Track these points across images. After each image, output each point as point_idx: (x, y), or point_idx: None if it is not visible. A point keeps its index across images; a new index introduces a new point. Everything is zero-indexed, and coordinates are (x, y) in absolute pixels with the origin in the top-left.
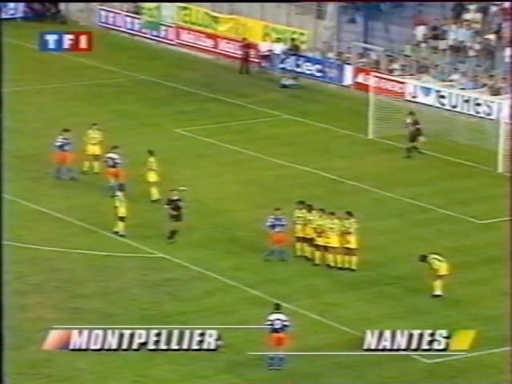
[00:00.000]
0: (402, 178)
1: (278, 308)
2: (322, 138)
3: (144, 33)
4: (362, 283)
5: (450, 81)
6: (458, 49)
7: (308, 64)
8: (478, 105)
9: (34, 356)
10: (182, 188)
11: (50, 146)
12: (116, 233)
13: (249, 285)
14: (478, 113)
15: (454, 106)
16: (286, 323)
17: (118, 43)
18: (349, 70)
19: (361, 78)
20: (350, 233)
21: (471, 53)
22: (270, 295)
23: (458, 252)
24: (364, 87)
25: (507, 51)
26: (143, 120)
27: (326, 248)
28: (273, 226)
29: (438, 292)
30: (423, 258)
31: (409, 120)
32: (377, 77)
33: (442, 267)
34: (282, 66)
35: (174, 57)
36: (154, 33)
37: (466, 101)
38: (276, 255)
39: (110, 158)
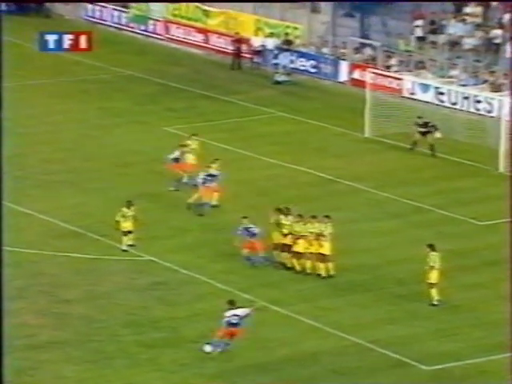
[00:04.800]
0: (400, 177)
1: (232, 304)
2: (317, 137)
3: (132, 27)
4: (357, 287)
5: (450, 77)
6: (457, 44)
7: (302, 60)
8: (479, 102)
9: (18, 363)
10: (171, 188)
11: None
12: (125, 251)
13: (241, 289)
14: (478, 110)
15: (454, 103)
16: (242, 318)
17: (105, 38)
18: (344, 66)
19: (357, 74)
20: (324, 236)
21: (471, 48)
22: (262, 299)
23: (458, 254)
24: (360, 84)
25: (508, 46)
26: (131, 117)
27: (299, 254)
28: (247, 235)
29: (434, 301)
30: (431, 248)
31: (418, 123)
32: (373, 73)
33: (434, 275)
34: (275, 61)
35: (162, 52)
36: (142, 27)
37: (466, 98)
38: (258, 262)
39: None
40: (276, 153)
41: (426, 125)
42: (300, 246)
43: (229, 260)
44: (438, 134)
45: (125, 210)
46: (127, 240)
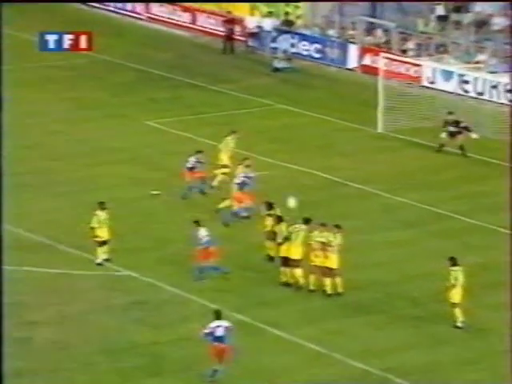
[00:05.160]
0: (418, 179)
1: (218, 316)
2: (322, 132)
3: (107, 5)
4: (368, 307)
5: (476, 62)
6: (485, 24)
7: (304, 43)
8: (510, 91)
9: None
10: (154, 192)
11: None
12: (100, 265)
13: (234, 309)
14: (510, 101)
15: (481, 93)
16: (228, 331)
17: (77, 17)
18: (353, 50)
19: (368, 60)
20: (331, 246)
21: (501, 28)
22: (260, 321)
23: (485, 269)
24: (372, 71)
25: None
26: (106, 110)
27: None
28: (202, 243)
29: (458, 323)
30: (453, 262)
31: (448, 120)
32: (387, 58)
33: (457, 293)
34: (273, 45)
35: (143, 34)
36: (119, 5)
37: (495, 86)
38: (210, 272)
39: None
40: (274, 151)
41: (456, 124)
42: (297, 253)
43: (219, 275)
44: (474, 135)
45: (99, 213)
46: (102, 252)
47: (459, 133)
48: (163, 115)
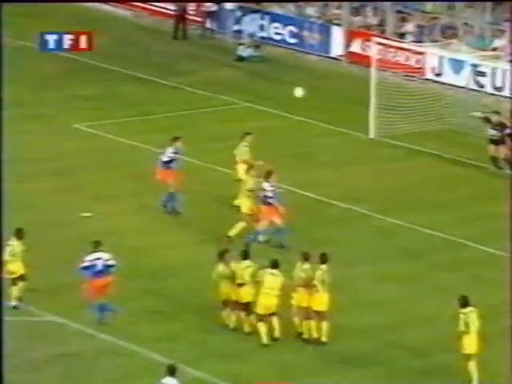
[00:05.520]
0: (420, 197)
1: (172, 372)
2: (300, 138)
3: None
4: (362, 358)
5: (493, 49)
6: (503, 0)
7: (276, 25)
8: None
9: None
10: (85, 214)
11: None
12: (16, 308)
13: (188, 361)
14: None
15: (499, 88)
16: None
17: None
18: (338, 35)
19: (357, 47)
20: (314, 286)
21: None
22: (219, 376)
23: (505, 310)
24: (362, 60)
25: None
26: (23, 110)
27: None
28: (95, 271)
29: (474, 381)
30: (464, 302)
31: (493, 120)
32: (381, 44)
33: (471, 341)
34: (236, 27)
35: (71, 12)
36: None
37: None
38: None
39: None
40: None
41: (502, 128)
42: (269, 300)
43: (168, 319)
44: (503, 151)
45: (14, 243)
46: (18, 291)
47: (502, 142)
48: (96, 116)
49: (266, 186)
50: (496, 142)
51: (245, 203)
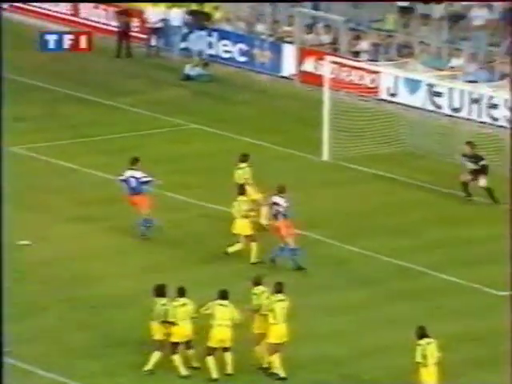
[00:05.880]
0: (375, 222)
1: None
2: (250, 160)
3: None
4: None
5: (451, 68)
6: (462, 18)
7: (225, 42)
8: (494, 107)
9: None
10: (22, 242)
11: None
12: None
13: None
14: (494, 120)
15: (457, 109)
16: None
17: None
18: (290, 53)
19: (309, 66)
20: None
21: (483, 24)
22: None
23: (466, 341)
24: (314, 80)
25: None
26: None
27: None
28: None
29: None
30: (422, 333)
31: (466, 152)
32: (334, 63)
33: (429, 374)
34: (183, 45)
35: (5, 29)
36: None
37: (476, 101)
38: None
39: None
40: (186, 186)
41: (476, 160)
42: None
43: (111, 355)
44: (482, 181)
45: None
46: None
47: (481, 172)
48: (33, 139)
49: (279, 200)
50: (474, 172)
51: (241, 224)
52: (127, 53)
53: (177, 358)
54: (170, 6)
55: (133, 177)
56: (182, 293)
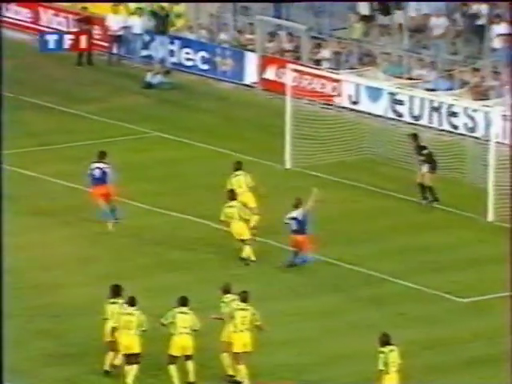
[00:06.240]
0: (338, 230)
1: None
2: (213, 169)
3: None
4: None
5: (410, 78)
6: (422, 27)
7: (188, 50)
8: (454, 115)
9: None
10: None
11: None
12: None
13: None
14: (454, 127)
15: (417, 117)
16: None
17: None
18: (252, 61)
19: (271, 73)
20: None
21: (443, 33)
22: None
23: (430, 349)
24: (276, 87)
25: (499, 29)
26: None
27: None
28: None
29: None
30: (385, 340)
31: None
32: (297, 71)
33: (391, 381)
34: (145, 53)
35: None
36: None
37: (436, 109)
38: None
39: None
40: (149, 194)
41: (420, 150)
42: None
43: (73, 364)
44: (425, 169)
45: None
46: None
47: (426, 161)
48: None
49: (296, 214)
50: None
51: (238, 228)
52: (88, 61)
53: (126, 369)
54: (131, 13)
55: (98, 168)
56: (132, 303)
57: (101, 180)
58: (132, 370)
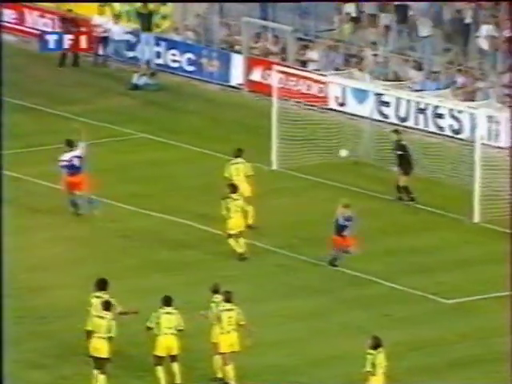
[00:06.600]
0: (323, 231)
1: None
2: (199, 170)
3: None
4: None
5: (397, 79)
6: (409, 26)
7: (174, 52)
8: (440, 116)
9: None
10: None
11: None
12: None
13: None
14: (440, 129)
15: (404, 119)
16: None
17: None
18: (238, 62)
19: (257, 75)
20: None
21: (429, 34)
22: None
23: (416, 350)
24: (263, 89)
25: (483, 29)
26: None
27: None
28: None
29: None
30: (376, 343)
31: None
32: (283, 72)
33: (376, 381)
34: (131, 54)
35: None
36: None
37: (422, 110)
38: None
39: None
40: (136, 195)
41: (399, 148)
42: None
43: (60, 363)
44: (395, 168)
45: None
46: None
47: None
48: None
49: (341, 217)
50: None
51: (235, 220)
52: (74, 62)
53: (94, 373)
54: (116, 15)
55: (75, 156)
56: (106, 307)
57: (79, 169)
58: (100, 379)
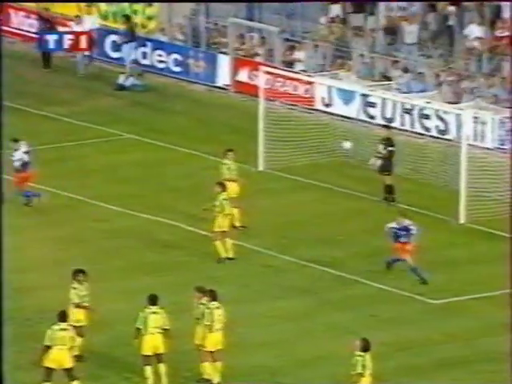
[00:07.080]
0: (311, 232)
1: None
2: (186, 171)
3: None
4: None
5: (384, 78)
6: (394, 29)
7: (160, 53)
8: (426, 117)
9: None
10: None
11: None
12: None
13: None
14: (427, 130)
15: (390, 120)
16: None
17: None
18: (225, 63)
19: (244, 76)
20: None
21: (415, 35)
22: None
23: (403, 350)
24: (249, 90)
25: (471, 30)
26: None
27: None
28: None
29: None
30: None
31: (381, 148)
32: (269, 73)
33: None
34: (117, 55)
35: None
36: None
37: (408, 111)
38: None
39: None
40: (123, 196)
41: (386, 144)
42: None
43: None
44: (372, 161)
45: None
46: None
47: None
48: None
49: (394, 224)
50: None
51: (223, 219)
52: (46, 62)
53: None
54: (102, 16)
55: (24, 152)
56: (62, 317)
57: (30, 164)
58: None
